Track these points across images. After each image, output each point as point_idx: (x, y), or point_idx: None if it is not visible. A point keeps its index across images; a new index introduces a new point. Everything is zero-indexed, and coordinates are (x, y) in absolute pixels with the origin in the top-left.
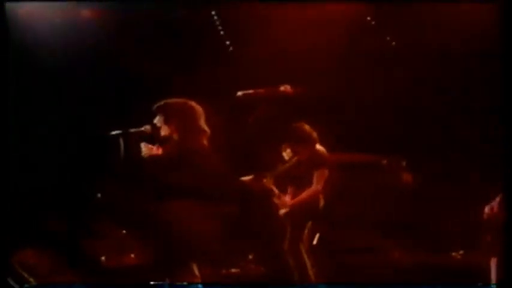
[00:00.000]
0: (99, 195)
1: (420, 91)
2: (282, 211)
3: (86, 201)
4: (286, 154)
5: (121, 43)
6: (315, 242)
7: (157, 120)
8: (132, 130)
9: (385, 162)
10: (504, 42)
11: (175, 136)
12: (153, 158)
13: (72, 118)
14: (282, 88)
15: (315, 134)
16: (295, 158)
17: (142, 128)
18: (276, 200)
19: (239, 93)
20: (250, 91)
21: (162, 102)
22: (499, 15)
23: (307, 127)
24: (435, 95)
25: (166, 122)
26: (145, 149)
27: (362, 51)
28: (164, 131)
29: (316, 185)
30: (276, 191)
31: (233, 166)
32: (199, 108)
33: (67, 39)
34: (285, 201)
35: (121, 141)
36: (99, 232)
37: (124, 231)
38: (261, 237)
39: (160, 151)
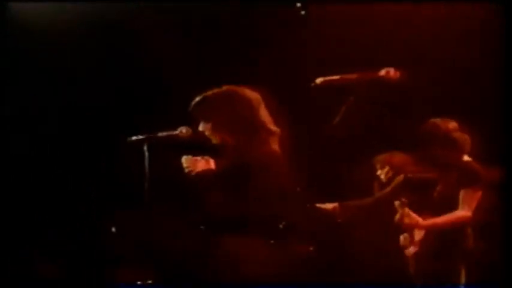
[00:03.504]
0: (113, 229)
1: None
2: (410, 250)
3: (96, 237)
4: (383, 173)
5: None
6: None
7: (202, 126)
8: (161, 134)
9: None
10: None
11: (230, 140)
12: (203, 175)
13: (79, 121)
14: (382, 73)
15: (467, 137)
16: (402, 176)
17: (177, 131)
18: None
19: (318, 79)
20: (334, 77)
21: (200, 97)
22: None
23: (453, 125)
24: None
25: (210, 121)
26: (189, 163)
27: None
28: (214, 137)
29: (465, 211)
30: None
31: (309, 188)
32: (256, 96)
33: (74, 36)
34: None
35: (145, 149)
36: (114, 282)
37: (150, 282)
38: None
39: (212, 165)
